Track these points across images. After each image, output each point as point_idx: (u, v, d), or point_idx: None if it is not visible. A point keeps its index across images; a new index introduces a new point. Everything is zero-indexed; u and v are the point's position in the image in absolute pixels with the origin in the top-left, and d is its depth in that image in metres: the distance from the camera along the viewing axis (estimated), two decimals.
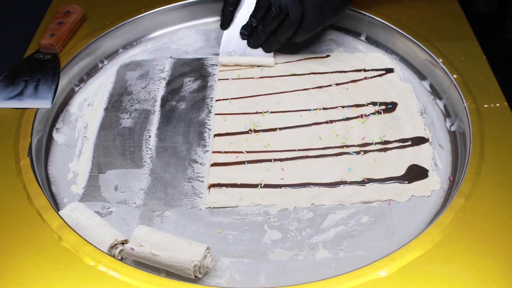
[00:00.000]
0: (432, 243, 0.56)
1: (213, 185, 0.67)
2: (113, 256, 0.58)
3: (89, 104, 0.81)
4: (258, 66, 0.85)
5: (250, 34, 0.84)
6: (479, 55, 0.79)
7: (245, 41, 0.85)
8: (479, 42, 0.81)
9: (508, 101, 0.71)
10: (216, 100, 0.79)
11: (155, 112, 0.79)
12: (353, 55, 0.87)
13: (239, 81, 0.83)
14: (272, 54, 0.84)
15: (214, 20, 0.94)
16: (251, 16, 0.83)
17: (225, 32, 0.85)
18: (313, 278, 0.55)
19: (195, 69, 0.86)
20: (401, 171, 0.68)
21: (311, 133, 0.74)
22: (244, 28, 0.84)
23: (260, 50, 0.84)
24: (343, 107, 0.78)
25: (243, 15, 0.84)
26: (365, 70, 0.84)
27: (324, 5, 0.77)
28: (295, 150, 0.71)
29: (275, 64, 0.85)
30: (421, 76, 0.82)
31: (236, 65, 0.85)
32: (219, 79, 0.83)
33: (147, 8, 0.90)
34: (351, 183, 0.67)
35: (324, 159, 0.70)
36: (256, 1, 0.81)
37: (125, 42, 0.90)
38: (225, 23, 0.85)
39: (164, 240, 0.56)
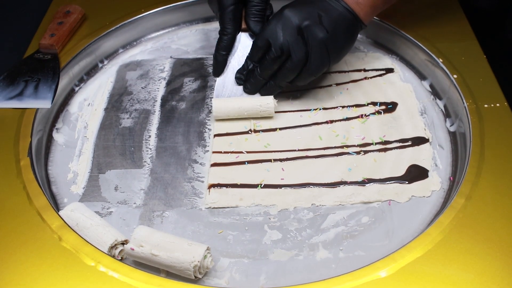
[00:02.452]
0: (432, 243, 0.56)
1: (213, 185, 0.67)
2: (113, 257, 0.58)
3: (89, 104, 0.81)
4: (254, 118, 0.75)
5: (247, 78, 0.76)
6: (479, 55, 0.79)
7: (241, 86, 0.77)
8: (479, 42, 0.81)
9: (508, 101, 0.71)
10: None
11: (155, 112, 0.79)
12: (353, 55, 0.87)
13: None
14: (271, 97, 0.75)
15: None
16: (248, 58, 0.75)
17: (218, 78, 0.78)
18: (313, 278, 0.55)
19: (195, 69, 0.86)
20: (401, 171, 0.68)
21: (311, 133, 0.74)
22: (239, 72, 0.76)
23: (257, 96, 0.76)
24: (343, 107, 0.78)
25: (238, 57, 0.77)
26: (365, 70, 0.84)
27: (329, 44, 0.69)
28: (295, 150, 0.71)
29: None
30: (421, 76, 0.82)
31: (230, 118, 0.75)
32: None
33: (147, 8, 0.90)
34: (351, 183, 0.67)
35: (324, 159, 0.70)
36: (253, 41, 0.74)
37: (125, 42, 0.90)
38: (218, 70, 0.77)
39: (164, 241, 0.56)
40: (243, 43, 0.76)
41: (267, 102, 0.74)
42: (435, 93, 0.79)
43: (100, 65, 0.87)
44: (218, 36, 0.76)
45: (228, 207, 0.65)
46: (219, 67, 0.77)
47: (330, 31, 0.68)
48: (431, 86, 0.80)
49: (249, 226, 0.63)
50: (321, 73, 0.72)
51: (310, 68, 0.70)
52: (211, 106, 0.79)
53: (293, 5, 0.70)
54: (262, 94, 0.76)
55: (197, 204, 0.66)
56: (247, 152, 0.71)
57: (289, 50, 0.69)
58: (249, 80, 0.75)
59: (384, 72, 0.83)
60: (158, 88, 0.83)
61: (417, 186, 0.67)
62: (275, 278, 0.58)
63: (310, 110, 0.77)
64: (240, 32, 0.76)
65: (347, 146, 0.72)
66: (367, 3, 0.71)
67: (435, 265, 0.54)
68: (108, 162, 0.71)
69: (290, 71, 0.70)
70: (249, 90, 0.76)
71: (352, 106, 0.78)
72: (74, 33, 0.86)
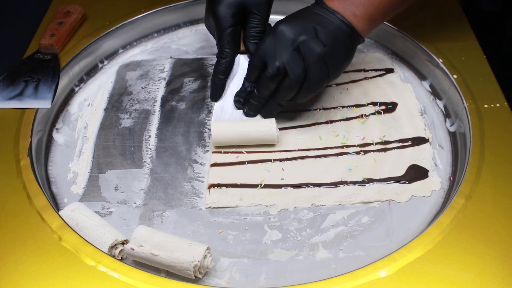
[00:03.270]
0: (432, 243, 0.56)
1: (213, 185, 0.67)
2: (113, 256, 0.58)
3: (89, 104, 0.81)
4: (256, 145, 0.71)
5: (246, 100, 0.72)
6: (479, 55, 0.79)
7: (241, 110, 0.74)
8: (479, 42, 0.81)
9: (508, 101, 0.71)
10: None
11: (155, 112, 0.79)
12: None
13: None
14: (273, 120, 0.71)
15: None
16: (245, 79, 0.72)
17: (217, 103, 0.74)
18: (313, 278, 0.55)
19: (195, 69, 0.86)
20: (401, 171, 0.68)
21: (311, 133, 0.74)
22: (238, 95, 0.73)
23: (258, 124, 0.71)
24: (343, 107, 0.78)
25: (237, 81, 0.74)
26: (365, 70, 0.84)
27: (328, 58, 0.65)
28: (295, 150, 0.71)
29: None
30: (421, 76, 0.82)
31: (230, 145, 0.71)
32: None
33: (147, 8, 0.90)
34: (351, 183, 0.67)
35: (324, 159, 0.70)
36: (249, 61, 0.71)
37: (125, 42, 0.90)
38: (216, 95, 0.74)
39: (164, 240, 0.56)
40: (243, 66, 0.74)
41: (270, 135, 0.69)
42: (435, 93, 0.79)
43: (100, 65, 0.87)
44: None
45: (228, 207, 0.65)
46: (218, 92, 0.74)
47: (327, 45, 0.65)
48: (431, 86, 0.80)
49: (249, 226, 0.63)
50: (321, 89, 0.69)
51: (309, 85, 0.66)
52: (211, 106, 0.79)
53: (287, 20, 0.67)
54: (262, 115, 0.72)
55: (197, 204, 0.66)
56: (247, 152, 0.71)
57: (286, 67, 0.65)
58: (248, 101, 0.72)
59: (384, 72, 0.83)
60: (158, 88, 0.83)
61: (417, 186, 0.67)
62: (275, 278, 0.58)
63: (310, 110, 0.77)
64: (239, 55, 0.74)
65: (347, 146, 0.72)
66: (365, 15, 0.68)
67: (435, 265, 0.54)
68: (108, 162, 0.71)
69: (288, 89, 0.67)
70: (249, 112, 0.72)
71: (352, 106, 0.78)
72: (74, 33, 0.86)
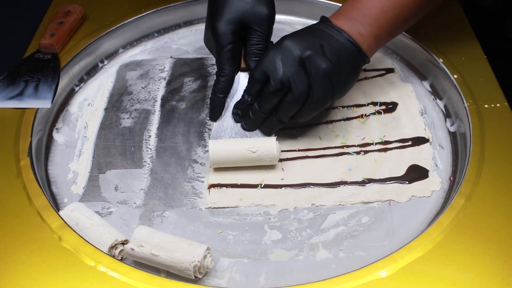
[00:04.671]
0: (432, 243, 0.56)
1: (213, 185, 0.67)
2: (113, 257, 0.58)
3: (89, 104, 0.81)
4: (254, 165, 0.68)
5: (245, 113, 0.69)
6: (479, 55, 0.79)
7: (240, 128, 0.70)
8: (480, 42, 0.81)
9: (508, 101, 0.71)
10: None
11: (155, 112, 0.79)
12: None
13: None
14: (274, 138, 0.68)
15: None
16: (245, 91, 0.69)
17: (216, 123, 0.71)
18: (313, 278, 0.55)
19: (195, 69, 0.86)
20: (401, 171, 0.68)
21: (311, 133, 0.74)
22: (236, 107, 0.70)
23: (258, 134, 0.70)
24: (343, 107, 0.78)
25: (237, 99, 0.71)
26: (365, 70, 0.84)
27: (334, 75, 0.63)
28: (295, 150, 0.71)
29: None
30: (422, 76, 0.82)
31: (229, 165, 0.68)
32: None
33: (147, 8, 0.90)
34: (351, 183, 0.67)
35: (324, 159, 0.70)
36: (250, 74, 0.68)
37: (125, 42, 0.90)
38: (215, 114, 0.70)
39: (164, 241, 0.56)
40: (243, 84, 0.70)
41: (270, 157, 0.67)
42: (435, 93, 0.79)
43: (100, 65, 0.87)
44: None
45: (228, 207, 0.65)
46: (217, 111, 0.71)
47: (333, 62, 0.63)
48: (431, 86, 0.80)
49: (249, 226, 0.63)
50: (324, 107, 0.66)
51: (312, 102, 0.64)
52: None
53: (293, 36, 0.65)
54: (262, 131, 0.70)
55: (197, 204, 0.66)
56: None
57: (290, 82, 0.63)
58: (248, 116, 0.69)
59: (384, 72, 0.83)
60: (158, 88, 0.83)
61: (417, 186, 0.67)
62: (275, 278, 0.58)
63: None
64: (239, 72, 0.71)
65: (347, 146, 0.72)
66: (371, 34, 0.66)
67: (435, 265, 0.54)
68: (108, 162, 0.71)
69: (291, 105, 0.65)
70: (248, 126, 0.70)
71: (352, 106, 0.78)
72: (74, 33, 0.86)
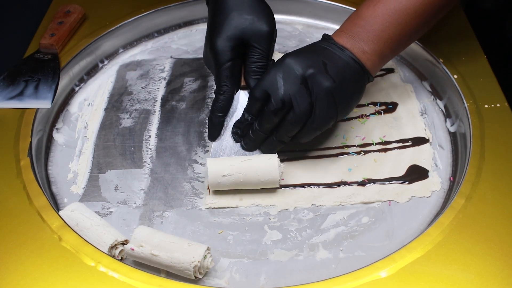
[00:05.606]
0: (432, 243, 0.56)
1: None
2: (113, 257, 0.58)
3: (89, 104, 0.81)
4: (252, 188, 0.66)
5: (245, 133, 0.67)
6: (479, 55, 0.79)
7: (240, 148, 0.68)
8: (480, 42, 0.81)
9: (508, 102, 0.71)
10: None
11: (155, 112, 0.79)
12: None
13: None
14: (276, 155, 0.66)
15: None
16: (245, 110, 0.67)
17: (214, 143, 0.69)
18: (313, 278, 0.55)
19: (195, 69, 0.86)
20: (401, 172, 0.68)
21: None
22: (236, 126, 0.68)
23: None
24: None
25: (237, 118, 0.68)
26: None
27: (337, 94, 0.61)
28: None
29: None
30: (422, 76, 0.82)
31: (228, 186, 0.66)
32: None
33: (147, 8, 0.90)
34: (351, 183, 0.67)
35: (324, 160, 0.70)
36: (250, 92, 0.66)
37: (125, 42, 0.90)
38: (214, 133, 0.69)
39: (164, 241, 0.56)
40: (243, 103, 0.68)
41: (272, 180, 0.64)
42: (436, 93, 0.79)
43: (100, 65, 0.87)
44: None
45: (228, 207, 0.65)
46: (215, 131, 0.69)
47: (336, 80, 0.61)
48: (431, 86, 0.80)
49: (249, 226, 0.63)
50: (326, 127, 0.64)
51: (314, 121, 0.62)
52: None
53: (295, 53, 0.64)
54: (262, 151, 0.67)
55: (197, 204, 0.66)
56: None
57: (292, 101, 0.61)
58: (247, 135, 0.67)
59: (384, 72, 0.83)
60: (158, 88, 0.83)
61: (417, 187, 0.67)
62: (275, 278, 0.58)
63: None
64: (239, 90, 0.69)
65: (347, 146, 0.72)
66: (374, 52, 0.65)
67: (435, 265, 0.54)
68: (108, 162, 0.71)
69: (292, 124, 0.62)
70: (248, 146, 0.68)
71: None
72: (74, 33, 0.86)
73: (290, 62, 0.62)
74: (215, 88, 0.68)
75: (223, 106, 0.67)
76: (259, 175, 0.64)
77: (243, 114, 0.67)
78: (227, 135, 0.69)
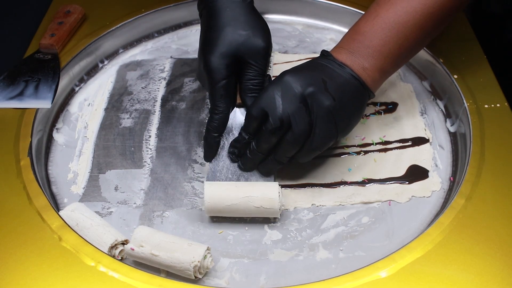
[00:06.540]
0: (432, 243, 0.56)
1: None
2: (113, 257, 0.58)
3: (89, 104, 0.81)
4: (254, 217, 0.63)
5: (242, 152, 0.65)
6: (479, 55, 0.79)
7: (237, 169, 0.66)
8: (480, 42, 0.81)
9: (508, 102, 0.71)
10: None
11: (155, 112, 0.79)
12: None
13: None
14: (272, 178, 0.65)
15: None
16: (242, 129, 0.64)
17: (210, 164, 0.67)
18: (313, 278, 0.55)
19: (195, 69, 0.86)
20: (401, 172, 0.68)
21: None
22: (233, 145, 0.66)
23: (256, 174, 0.66)
24: None
25: (233, 137, 0.67)
26: None
27: (337, 112, 0.60)
28: None
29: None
30: (422, 76, 0.82)
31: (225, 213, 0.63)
32: None
33: (147, 8, 0.90)
34: (351, 183, 0.67)
35: (324, 160, 0.70)
36: (247, 110, 0.64)
37: (125, 42, 0.90)
38: (210, 154, 0.66)
39: (164, 241, 0.56)
40: (239, 121, 0.66)
41: (272, 210, 0.61)
42: (436, 93, 0.79)
43: (100, 65, 0.87)
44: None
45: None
46: (211, 151, 0.66)
47: (337, 99, 0.59)
48: (431, 86, 0.80)
49: (249, 226, 0.63)
50: (327, 147, 0.62)
51: (314, 141, 0.60)
52: None
53: (294, 71, 0.62)
54: (260, 172, 0.65)
55: (197, 204, 0.66)
56: None
57: (290, 120, 0.59)
58: (245, 155, 0.64)
59: None
60: (158, 88, 0.83)
61: (417, 187, 0.67)
62: (275, 278, 0.58)
63: None
64: (235, 108, 0.67)
65: (347, 146, 0.72)
66: (374, 67, 0.63)
67: (435, 265, 0.54)
68: (108, 162, 0.71)
69: (291, 144, 0.60)
70: (244, 166, 0.65)
71: None
72: (74, 33, 0.86)
73: (289, 79, 0.60)
74: (209, 106, 0.66)
75: (219, 125, 0.65)
76: (259, 210, 0.61)
77: (240, 133, 0.65)
78: (223, 155, 0.67)
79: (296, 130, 0.59)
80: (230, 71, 0.64)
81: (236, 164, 0.67)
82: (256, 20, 0.67)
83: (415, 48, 0.67)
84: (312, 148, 0.61)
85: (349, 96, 0.61)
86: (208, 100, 0.80)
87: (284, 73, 0.62)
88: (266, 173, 0.65)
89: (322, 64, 0.63)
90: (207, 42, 0.65)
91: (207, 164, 0.67)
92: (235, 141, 0.66)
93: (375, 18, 0.64)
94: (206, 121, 0.76)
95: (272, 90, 0.61)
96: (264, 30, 0.66)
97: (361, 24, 0.65)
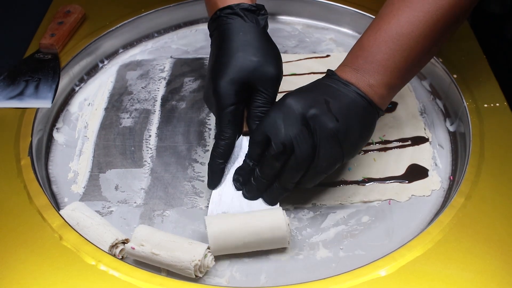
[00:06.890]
0: (432, 242, 0.56)
1: None
2: (114, 256, 0.58)
3: (90, 103, 0.81)
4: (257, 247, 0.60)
5: (246, 180, 0.63)
6: (479, 55, 0.79)
7: (241, 197, 0.63)
8: (479, 42, 0.81)
9: (508, 101, 0.71)
10: None
11: (155, 111, 0.79)
12: None
13: None
14: (278, 205, 0.63)
15: None
16: (247, 156, 0.63)
17: (214, 191, 0.64)
18: (313, 277, 0.55)
19: (195, 69, 0.86)
20: (401, 171, 0.68)
21: None
22: (237, 173, 0.63)
23: (260, 202, 0.63)
24: None
25: (238, 165, 0.64)
26: None
27: (341, 134, 0.57)
28: None
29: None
30: (421, 76, 0.82)
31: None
32: None
33: (147, 8, 0.90)
34: (351, 182, 0.67)
35: None
36: (250, 136, 0.62)
37: (125, 42, 0.90)
38: (214, 181, 0.64)
39: (165, 240, 0.56)
40: (245, 149, 0.64)
41: (281, 240, 0.58)
42: (435, 92, 0.79)
43: (100, 65, 0.87)
44: None
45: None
46: (215, 178, 0.64)
47: (341, 120, 0.57)
48: (431, 85, 0.81)
49: None
50: (333, 170, 0.60)
51: (318, 165, 0.58)
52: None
53: (296, 93, 0.60)
54: (265, 200, 0.62)
55: (198, 204, 0.66)
56: None
57: (293, 144, 0.57)
58: (249, 182, 0.62)
59: None
60: (158, 88, 0.83)
61: (417, 186, 0.67)
62: (275, 277, 0.58)
63: None
64: (241, 136, 0.65)
65: None
66: (382, 83, 0.60)
67: (435, 264, 0.54)
68: (109, 162, 0.71)
69: (294, 169, 0.58)
70: (249, 194, 0.63)
71: None
72: (74, 33, 0.86)
73: (290, 102, 0.59)
74: (215, 132, 0.65)
75: (224, 152, 0.63)
76: (267, 243, 0.58)
77: (244, 161, 0.63)
78: (227, 183, 0.64)
79: (299, 154, 0.57)
80: (239, 97, 0.62)
81: (240, 192, 0.64)
82: (268, 46, 0.65)
83: (422, 59, 0.63)
84: (317, 172, 0.59)
85: (355, 115, 0.59)
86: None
87: (286, 96, 0.60)
88: (271, 202, 0.62)
89: (326, 84, 0.61)
90: (217, 66, 0.64)
91: (210, 197, 0.64)
92: (239, 168, 0.64)
93: (378, 31, 0.61)
94: (206, 120, 0.77)
95: (273, 114, 0.59)
96: (276, 58, 0.65)
97: (364, 39, 0.62)
